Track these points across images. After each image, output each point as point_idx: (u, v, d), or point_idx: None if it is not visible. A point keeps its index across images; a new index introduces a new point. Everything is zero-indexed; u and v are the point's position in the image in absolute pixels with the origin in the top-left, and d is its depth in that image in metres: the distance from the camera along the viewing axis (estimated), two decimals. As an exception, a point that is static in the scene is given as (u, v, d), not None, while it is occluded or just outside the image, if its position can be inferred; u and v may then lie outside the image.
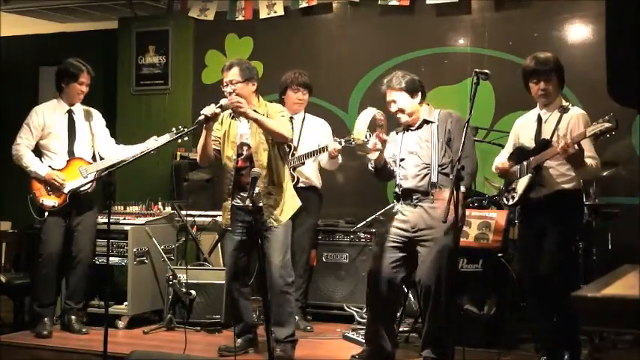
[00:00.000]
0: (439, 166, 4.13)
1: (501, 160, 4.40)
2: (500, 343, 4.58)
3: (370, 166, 4.29)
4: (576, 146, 3.87)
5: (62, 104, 5.24)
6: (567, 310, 3.92)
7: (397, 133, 4.36)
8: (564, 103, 4.21)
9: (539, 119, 4.23)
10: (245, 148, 4.45)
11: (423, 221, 4.11)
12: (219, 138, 4.50)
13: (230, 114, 4.50)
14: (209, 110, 4.27)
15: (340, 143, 5.10)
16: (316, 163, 5.38)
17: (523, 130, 4.33)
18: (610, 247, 5.09)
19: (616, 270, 2.33)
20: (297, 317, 5.06)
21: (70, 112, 5.24)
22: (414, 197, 4.16)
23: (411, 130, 4.28)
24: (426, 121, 4.23)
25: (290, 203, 4.49)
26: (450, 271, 4.04)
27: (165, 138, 5.05)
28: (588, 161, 3.98)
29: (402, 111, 4.22)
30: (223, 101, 4.33)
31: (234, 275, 4.52)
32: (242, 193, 4.41)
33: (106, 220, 5.34)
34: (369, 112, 4.17)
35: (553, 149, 4.00)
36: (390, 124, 4.35)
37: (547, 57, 4.22)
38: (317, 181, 5.42)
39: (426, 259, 4.08)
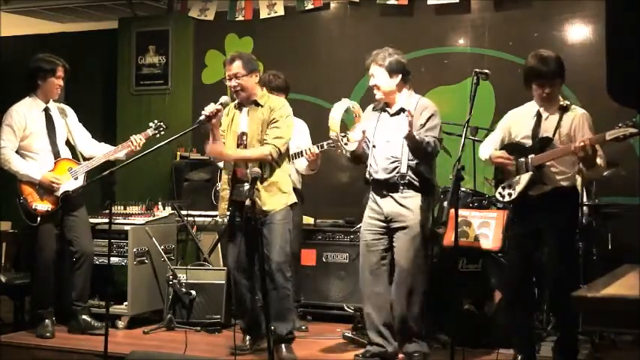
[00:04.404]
0: (409, 159, 4.17)
1: (489, 150, 4.28)
2: (500, 343, 4.58)
3: (346, 153, 4.34)
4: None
5: (38, 102, 5.10)
6: (568, 311, 3.91)
7: (374, 110, 4.42)
8: (562, 102, 4.13)
9: (539, 116, 4.15)
10: (244, 137, 4.49)
11: (395, 210, 4.19)
12: (224, 130, 4.52)
13: (235, 105, 4.54)
14: (209, 109, 4.29)
15: (322, 147, 5.05)
16: (298, 163, 5.24)
17: (517, 124, 4.23)
18: (610, 247, 5.08)
19: (616, 270, 2.32)
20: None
21: (46, 109, 5.11)
22: (383, 189, 4.24)
23: (388, 113, 4.32)
24: (403, 109, 4.22)
25: (277, 198, 4.43)
26: (424, 257, 4.19)
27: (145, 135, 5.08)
28: (598, 160, 3.93)
29: (377, 87, 4.32)
30: (223, 99, 4.36)
31: (237, 267, 4.49)
32: (238, 185, 4.44)
33: (103, 220, 5.40)
34: (343, 103, 4.30)
35: (564, 148, 3.95)
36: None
37: (551, 58, 4.08)
38: (296, 181, 5.28)
39: (401, 249, 4.17)
